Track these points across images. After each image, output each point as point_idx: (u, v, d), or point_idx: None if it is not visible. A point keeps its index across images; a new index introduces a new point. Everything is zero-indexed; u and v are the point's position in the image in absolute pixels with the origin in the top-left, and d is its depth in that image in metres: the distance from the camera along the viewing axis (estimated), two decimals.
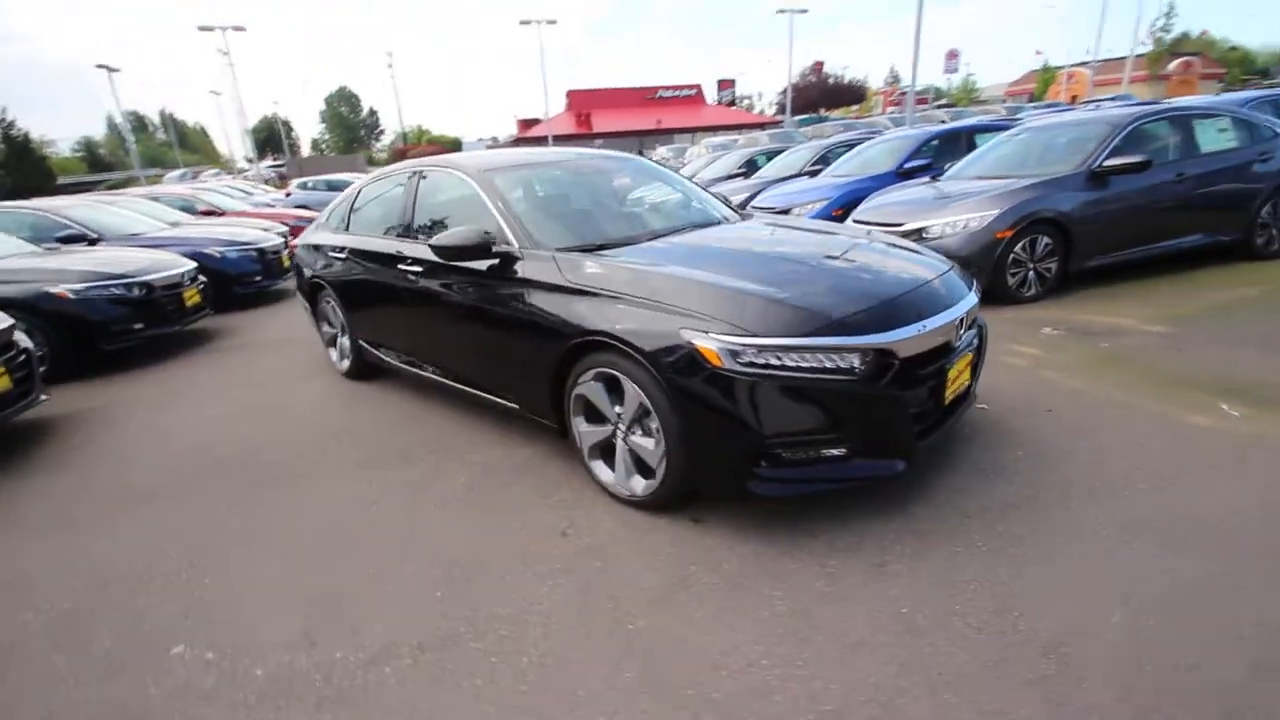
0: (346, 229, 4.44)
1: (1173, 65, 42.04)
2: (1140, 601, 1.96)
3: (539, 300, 2.85)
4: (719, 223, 3.54)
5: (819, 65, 49.96)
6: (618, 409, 2.65)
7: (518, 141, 40.11)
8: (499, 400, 3.32)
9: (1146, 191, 5.39)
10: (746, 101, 51.20)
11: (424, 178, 3.81)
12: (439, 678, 1.92)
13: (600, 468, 2.84)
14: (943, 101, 49.67)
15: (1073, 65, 44.03)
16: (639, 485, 2.67)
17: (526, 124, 41.60)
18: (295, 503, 3.05)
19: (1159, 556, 2.16)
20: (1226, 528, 2.27)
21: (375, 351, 4.29)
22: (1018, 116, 12.33)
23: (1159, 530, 2.29)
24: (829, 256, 2.82)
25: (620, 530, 2.58)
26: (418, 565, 2.47)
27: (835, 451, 2.29)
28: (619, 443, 2.71)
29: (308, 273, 4.83)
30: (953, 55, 49.28)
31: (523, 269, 2.96)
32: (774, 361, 2.22)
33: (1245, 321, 4.36)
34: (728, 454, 2.34)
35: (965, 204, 5.37)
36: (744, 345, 2.23)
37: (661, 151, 27.68)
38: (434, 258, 3.25)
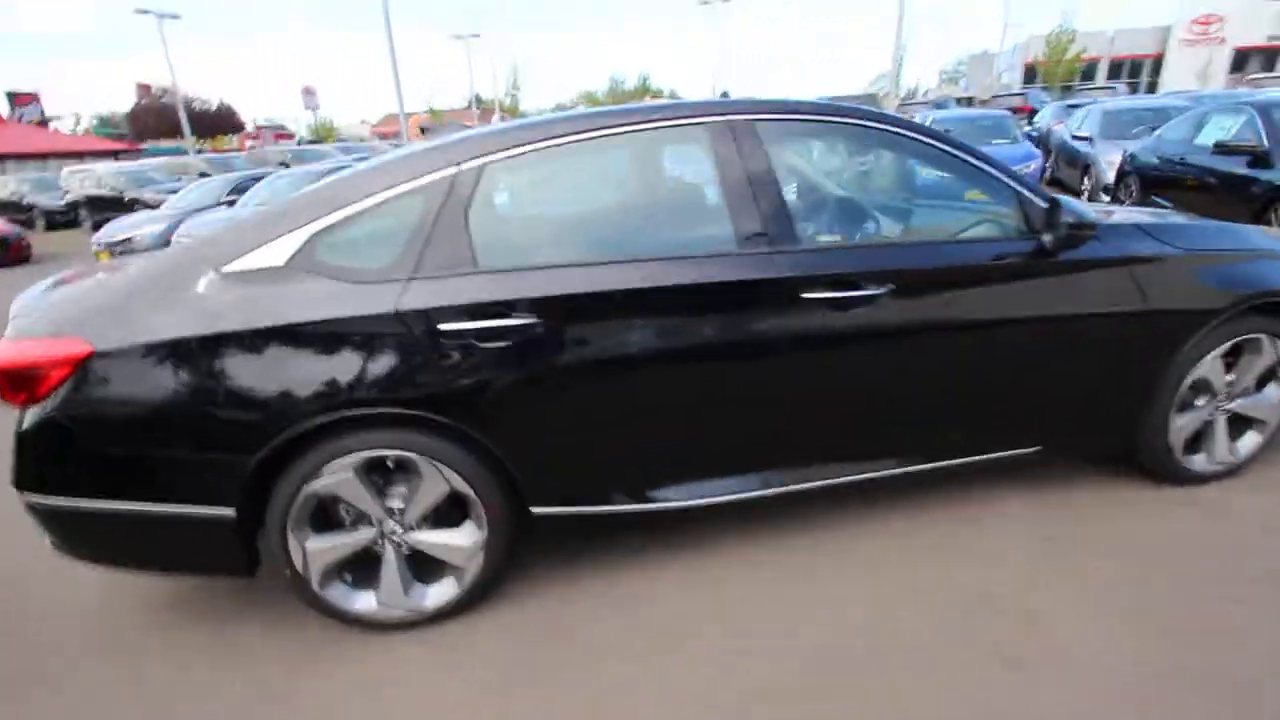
0: (474, 266, 1.84)
1: (494, 117, 53.76)
2: None
3: (1151, 276, 2.21)
4: None
5: (146, 87, 41.35)
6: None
7: None
8: (979, 455, 2.29)
9: None
10: (58, 120, 37.68)
11: (800, 134, 2.13)
12: None
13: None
14: (311, 139, 48.49)
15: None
16: None
17: None
18: None
19: None
20: None
21: (590, 506, 2.03)
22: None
23: None
24: None
25: None
26: None
27: None
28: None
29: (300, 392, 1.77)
30: (310, 91, 48.95)
31: (1104, 247, 2.16)
32: None
33: None
34: None
35: None
36: None
37: None
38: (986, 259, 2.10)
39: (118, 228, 9.09)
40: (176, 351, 1.73)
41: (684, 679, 1.80)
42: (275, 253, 1.81)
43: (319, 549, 1.90)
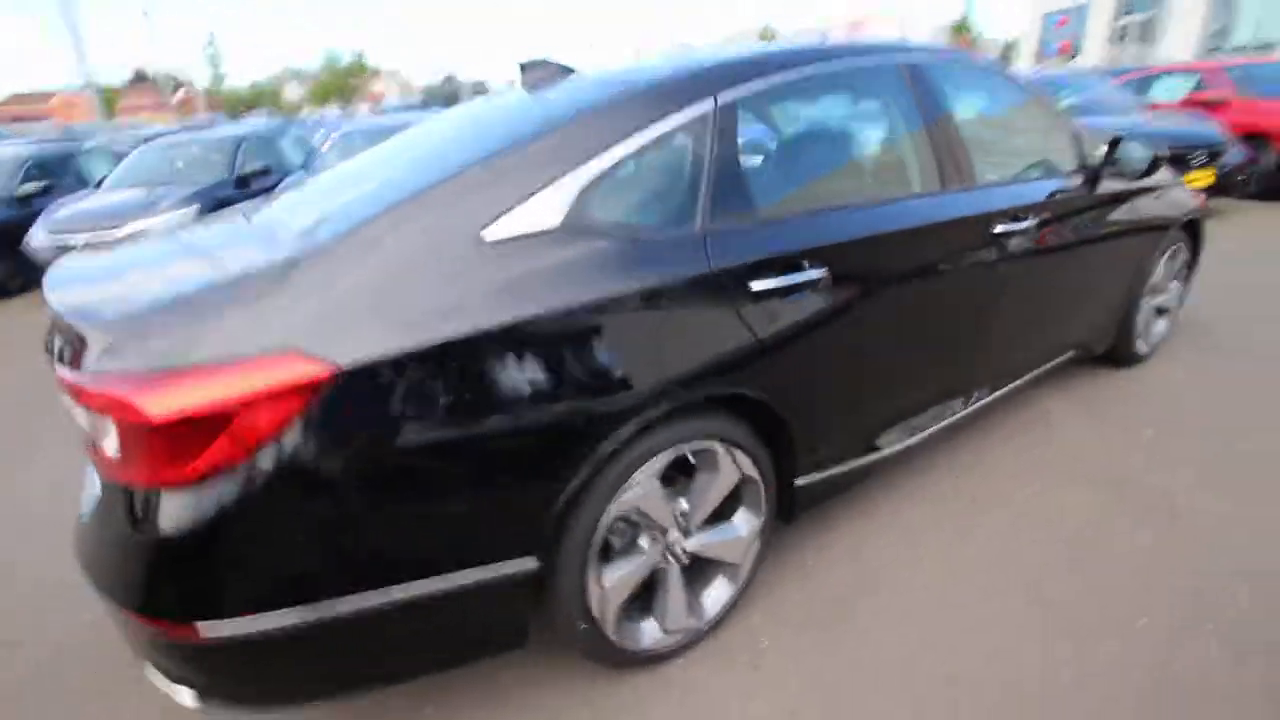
0: (756, 214, 1.61)
1: (178, 96, 44.26)
2: None
3: (1161, 199, 2.87)
4: None
5: None
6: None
7: None
8: (1043, 367, 2.70)
9: None
10: None
11: (949, 77, 2.14)
12: None
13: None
14: None
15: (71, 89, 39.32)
16: None
17: None
18: None
19: None
20: None
21: (838, 467, 1.95)
22: None
23: None
24: None
25: None
26: None
27: None
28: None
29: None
30: None
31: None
32: None
33: None
34: None
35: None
36: None
37: None
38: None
39: None
40: (453, 358, 1.22)
41: (996, 603, 1.84)
42: (543, 212, 1.36)
43: (615, 584, 1.52)
